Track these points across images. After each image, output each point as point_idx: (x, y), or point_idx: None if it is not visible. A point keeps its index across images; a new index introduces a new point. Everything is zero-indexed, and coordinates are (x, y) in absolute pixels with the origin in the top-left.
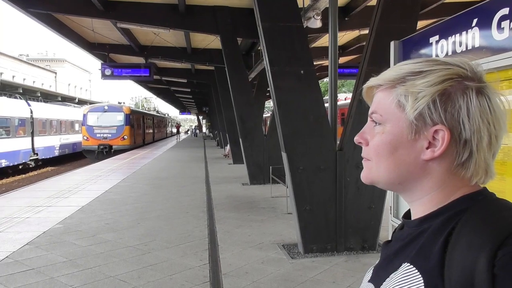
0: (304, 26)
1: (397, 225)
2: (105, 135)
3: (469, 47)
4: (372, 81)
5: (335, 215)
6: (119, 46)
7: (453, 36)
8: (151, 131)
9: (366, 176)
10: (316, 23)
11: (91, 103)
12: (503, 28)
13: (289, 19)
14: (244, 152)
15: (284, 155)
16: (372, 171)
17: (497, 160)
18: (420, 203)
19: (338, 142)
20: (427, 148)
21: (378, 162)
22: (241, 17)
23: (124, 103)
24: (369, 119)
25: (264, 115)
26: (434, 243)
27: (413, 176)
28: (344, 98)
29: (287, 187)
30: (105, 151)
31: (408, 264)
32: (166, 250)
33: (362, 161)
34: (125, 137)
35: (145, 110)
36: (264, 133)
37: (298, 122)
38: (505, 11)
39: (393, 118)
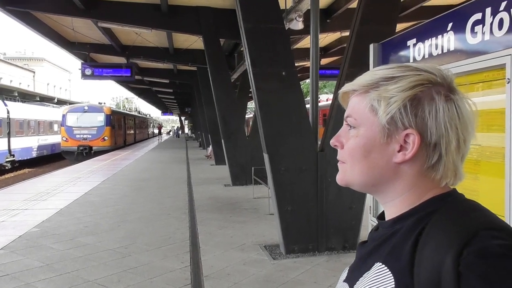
0: (286, 28)
1: (374, 225)
2: (85, 136)
3: (445, 50)
4: (347, 87)
5: (317, 215)
6: (100, 45)
7: (430, 39)
8: (132, 132)
9: (341, 178)
10: (298, 25)
11: (70, 103)
12: (476, 32)
13: (271, 21)
14: (226, 153)
15: (266, 156)
16: (347, 173)
17: (470, 160)
18: (393, 205)
19: (319, 143)
20: (399, 152)
21: (353, 165)
22: (223, 18)
23: (104, 103)
24: (344, 122)
25: (246, 116)
26: (405, 243)
27: (385, 179)
28: (326, 99)
29: (269, 188)
30: (85, 152)
31: (380, 263)
32: (146, 253)
33: (338, 164)
34: (106, 138)
35: (126, 110)
36: (247, 134)
37: (280, 123)
38: (478, 16)
39: (366, 122)
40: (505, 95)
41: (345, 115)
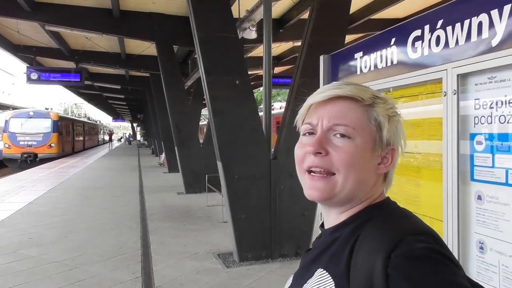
0: (240, 37)
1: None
2: (29, 143)
3: (389, 63)
4: (347, 92)
5: (270, 222)
6: (47, 49)
7: (375, 53)
8: (81, 138)
9: (328, 191)
10: (252, 34)
11: (14, 108)
12: (416, 47)
13: (225, 30)
14: (179, 161)
15: (219, 164)
16: (338, 185)
17: (412, 167)
18: (347, 213)
19: (272, 151)
20: (379, 164)
21: (348, 175)
22: (177, 25)
23: (51, 109)
24: (324, 129)
25: (200, 123)
26: (343, 249)
27: (366, 189)
28: (279, 107)
29: (223, 196)
30: (30, 160)
31: (322, 269)
32: (96, 264)
33: (313, 176)
34: (53, 144)
35: (75, 116)
36: (201, 142)
37: (234, 131)
38: (418, 32)
39: (365, 134)
40: (442, 106)
41: (332, 122)
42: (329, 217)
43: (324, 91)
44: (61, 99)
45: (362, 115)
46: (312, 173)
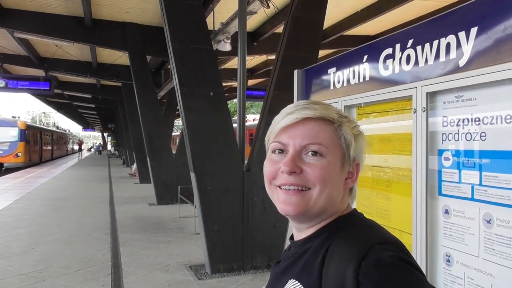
0: (214, 49)
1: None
2: None
3: (361, 79)
4: (319, 113)
5: (242, 234)
6: (15, 56)
7: (348, 69)
8: (49, 148)
9: (303, 205)
10: (226, 46)
11: None
12: (388, 65)
13: (199, 41)
14: (151, 171)
15: (192, 175)
16: (312, 199)
17: (383, 181)
18: (317, 226)
19: (246, 163)
20: (346, 179)
21: (322, 190)
22: (151, 35)
23: (19, 117)
24: (297, 149)
25: (173, 134)
26: (315, 260)
27: (335, 203)
28: (253, 119)
29: (195, 207)
30: None
31: (294, 279)
32: (64, 277)
33: (288, 191)
34: (19, 154)
35: (43, 125)
36: (173, 152)
37: (207, 143)
38: (389, 50)
39: (337, 153)
40: (412, 123)
41: (305, 142)
42: (299, 231)
43: (293, 111)
44: (29, 108)
45: (333, 134)
46: (285, 189)
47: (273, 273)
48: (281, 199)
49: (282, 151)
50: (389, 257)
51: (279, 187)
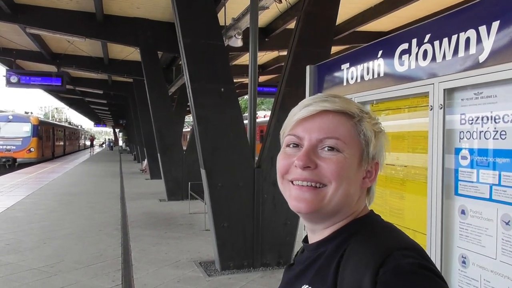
0: (225, 45)
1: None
2: (8, 147)
3: (375, 75)
4: (338, 107)
5: (252, 231)
6: (28, 52)
7: (362, 64)
8: (62, 143)
9: (316, 202)
10: (237, 42)
11: None
12: (403, 60)
13: (211, 37)
14: (162, 167)
15: (203, 171)
16: (327, 196)
17: (397, 180)
18: (332, 228)
19: (256, 159)
20: (363, 178)
21: (338, 186)
22: (162, 31)
23: (32, 113)
24: (312, 143)
25: (183, 130)
26: (329, 265)
27: (351, 202)
28: (263, 115)
29: (206, 204)
30: (8, 165)
31: (307, 286)
32: (75, 272)
33: (301, 186)
34: (32, 149)
35: (55, 121)
36: (184, 149)
37: (218, 139)
38: (405, 45)
39: (354, 148)
40: (428, 120)
41: (322, 136)
42: (313, 232)
43: (311, 103)
44: (41, 103)
45: (352, 129)
46: (298, 184)
47: (286, 277)
48: (293, 195)
49: (297, 145)
50: (409, 264)
51: (292, 182)
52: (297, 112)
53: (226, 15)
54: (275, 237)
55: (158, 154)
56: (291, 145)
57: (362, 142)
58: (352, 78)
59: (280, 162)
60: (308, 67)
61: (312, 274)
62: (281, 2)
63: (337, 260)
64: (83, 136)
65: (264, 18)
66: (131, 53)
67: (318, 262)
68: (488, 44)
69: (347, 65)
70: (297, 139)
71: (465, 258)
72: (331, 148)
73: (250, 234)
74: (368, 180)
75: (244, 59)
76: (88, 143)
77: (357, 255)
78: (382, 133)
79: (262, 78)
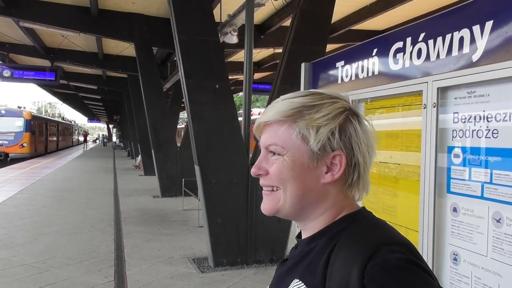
0: (221, 41)
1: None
2: (0, 142)
3: (370, 73)
4: (269, 117)
5: (246, 228)
6: (21, 46)
7: (356, 62)
8: (55, 138)
9: (271, 206)
10: (233, 38)
11: None
12: (398, 59)
13: (206, 33)
14: (156, 164)
15: (197, 168)
16: (281, 199)
17: (390, 177)
18: (314, 224)
19: (250, 156)
20: (326, 173)
21: (285, 188)
22: (157, 26)
23: (24, 107)
24: (263, 150)
25: (178, 126)
26: (319, 260)
27: (313, 200)
28: (258, 112)
29: (199, 200)
30: (0, 159)
31: (298, 280)
32: (67, 268)
33: (265, 193)
34: (25, 144)
35: (49, 116)
36: (178, 145)
37: (212, 136)
38: (399, 44)
39: (294, 149)
40: (421, 119)
41: (266, 143)
42: (304, 228)
43: (264, 111)
44: (34, 98)
45: (287, 132)
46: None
47: (278, 272)
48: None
49: None
50: (396, 259)
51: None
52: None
53: (221, 12)
54: (268, 234)
55: (152, 150)
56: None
57: (297, 142)
58: (346, 76)
59: None
60: (303, 65)
61: (303, 268)
62: (277, 0)
63: (327, 255)
64: (76, 132)
65: (259, 15)
66: (126, 48)
67: (309, 256)
68: (482, 43)
69: (342, 63)
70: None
71: (456, 255)
72: (274, 153)
73: (243, 231)
74: (330, 174)
75: (240, 56)
76: (81, 138)
77: (346, 250)
78: (329, 125)
79: (257, 75)
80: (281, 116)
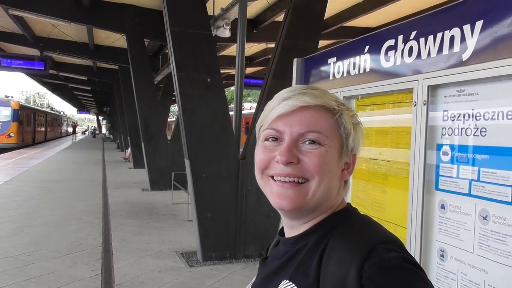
0: (213, 35)
1: (274, 241)
2: None
3: (361, 70)
4: (312, 101)
5: (236, 223)
6: (10, 34)
7: (348, 59)
8: (43, 129)
9: (300, 199)
10: (225, 32)
11: None
12: (389, 56)
13: (199, 26)
14: (146, 157)
15: (187, 162)
16: (310, 191)
17: (379, 174)
18: (311, 222)
19: (241, 151)
20: (342, 170)
21: (321, 180)
22: (149, 18)
23: (12, 97)
24: (294, 137)
25: (168, 119)
26: (311, 259)
27: (331, 196)
28: (249, 107)
29: (189, 194)
30: None
31: (288, 281)
32: (53, 260)
33: (284, 183)
34: (12, 134)
35: (37, 106)
36: (168, 138)
37: (203, 130)
38: (391, 42)
39: (336, 141)
40: (412, 116)
41: (305, 129)
42: (291, 227)
43: (290, 96)
44: (23, 87)
45: (333, 122)
46: (279, 180)
47: (263, 272)
48: (275, 192)
49: (276, 138)
50: (393, 258)
51: (273, 177)
52: (275, 106)
53: (214, 5)
54: (258, 228)
55: (142, 143)
56: (270, 139)
57: (342, 135)
58: (338, 73)
59: (260, 156)
60: (295, 60)
61: (293, 269)
62: None
63: (319, 255)
64: (65, 123)
65: (252, 9)
66: (117, 40)
67: (298, 256)
68: (472, 43)
69: (334, 59)
70: (277, 133)
71: (443, 251)
72: (312, 142)
73: (233, 225)
74: (346, 172)
75: (232, 50)
76: (70, 129)
77: (340, 250)
78: (359, 126)
79: (249, 70)
80: (325, 103)
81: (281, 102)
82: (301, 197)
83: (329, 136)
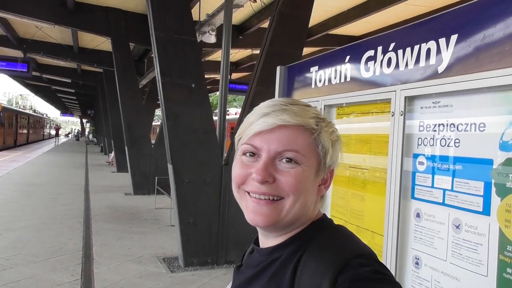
0: (199, 40)
1: (249, 249)
2: None
3: (342, 80)
4: (290, 120)
5: (218, 228)
6: None
7: (330, 68)
8: (25, 131)
9: (274, 216)
10: (211, 38)
11: None
12: (369, 67)
13: (183, 32)
14: (129, 161)
15: (170, 167)
16: (285, 209)
17: (359, 181)
18: (287, 235)
19: (225, 156)
20: (320, 185)
21: (296, 199)
22: (135, 22)
23: None
24: (271, 155)
25: (153, 123)
26: (285, 271)
27: (307, 211)
28: (235, 112)
29: (172, 199)
30: None
31: None
32: (32, 265)
33: (259, 200)
34: None
35: (20, 108)
36: (152, 142)
37: (187, 135)
38: (371, 52)
39: (313, 160)
40: (389, 125)
41: (282, 149)
42: (267, 237)
43: (269, 112)
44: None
45: (311, 141)
46: (255, 197)
47: (237, 281)
48: (250, 208)
49: (253, 154)
50: (366, 272)
51: (249, 193)
52: (254, 122)
53: (200, 11)
54: (240, 234)
55: (126, 147)
56: (247, 154)
57: (320, 153)
58: (320, 81)
59: (237, 171)
60: (278, 68)
61: (266, 279)
62: (256, 1)
63: (293, 266)
64: (48, 125)
65: (238, 16)
66: (102, 43)
67: (272, 267)
68: (447, 55)
69: (316, 68)
70: (254, 149)
71: (418, 259)
72: (289, 160)
73: (215, 231)
74: (323, 187)
75: (218, 55)
76: (53, 132)
77: (314, 262)
78: (338, 141)
79: (235, 75)
80: (303, 122)
81: (259, 118)
82: (276, 215)
83: (306, 155)
